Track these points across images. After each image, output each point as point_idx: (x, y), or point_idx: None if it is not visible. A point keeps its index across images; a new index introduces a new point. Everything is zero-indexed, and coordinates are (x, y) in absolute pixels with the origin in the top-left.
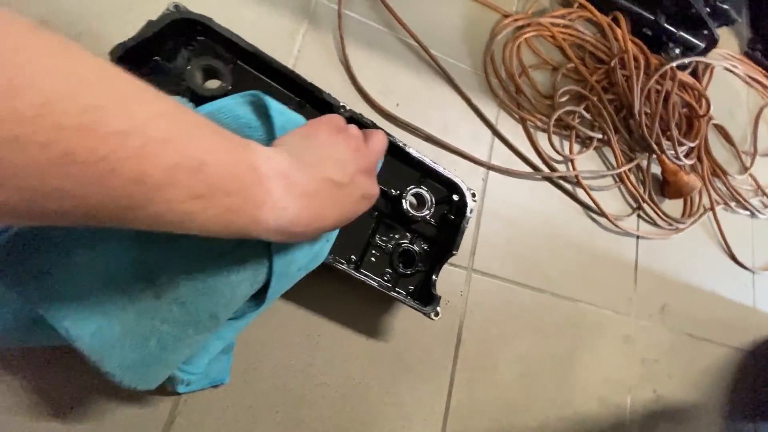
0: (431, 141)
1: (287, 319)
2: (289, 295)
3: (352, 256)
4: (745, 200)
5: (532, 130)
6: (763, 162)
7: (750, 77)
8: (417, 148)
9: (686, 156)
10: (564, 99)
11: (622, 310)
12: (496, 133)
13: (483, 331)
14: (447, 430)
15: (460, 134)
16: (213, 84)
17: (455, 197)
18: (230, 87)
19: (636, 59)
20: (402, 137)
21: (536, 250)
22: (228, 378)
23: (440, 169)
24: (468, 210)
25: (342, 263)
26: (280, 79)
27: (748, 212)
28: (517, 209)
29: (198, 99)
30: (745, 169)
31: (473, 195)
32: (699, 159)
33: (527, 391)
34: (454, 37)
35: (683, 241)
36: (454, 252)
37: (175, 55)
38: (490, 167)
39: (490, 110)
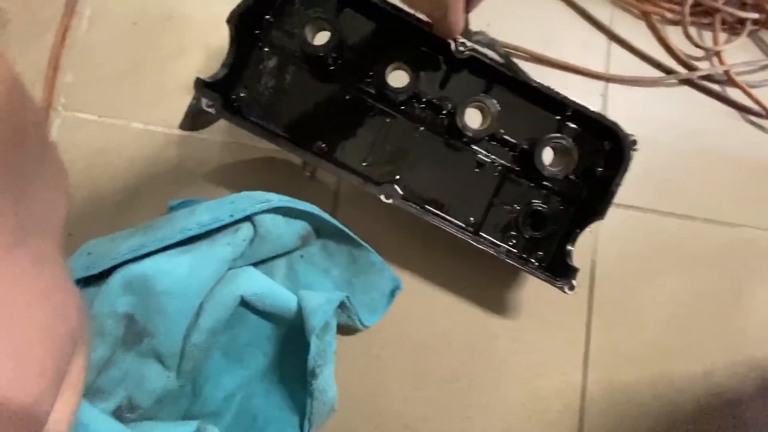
0: (535, 59)
1: (406, 262)
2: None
3: (471, 218)
4: None
5: (659, 24)
6: None
7: None
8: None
9: None
10: None
11: None
12: (613, 37)
13: (620, 269)
14: (589, 378)
15: (566, 46)
16: (323, 38)
17: (606, 145)
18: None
19: None
20: None
21: (680, 170)
22: (401, 283)
23: (590, 110)
24: (625, 165)
25: (457, 226)
26: (388, 21)
27: None
28: (650, 124)
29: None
30: None
31: (633, 143)
32: None
33: (683, 335)
34: None
35: None
36: (601, 217)
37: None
38: (608, 79)
39: (601, 10)
